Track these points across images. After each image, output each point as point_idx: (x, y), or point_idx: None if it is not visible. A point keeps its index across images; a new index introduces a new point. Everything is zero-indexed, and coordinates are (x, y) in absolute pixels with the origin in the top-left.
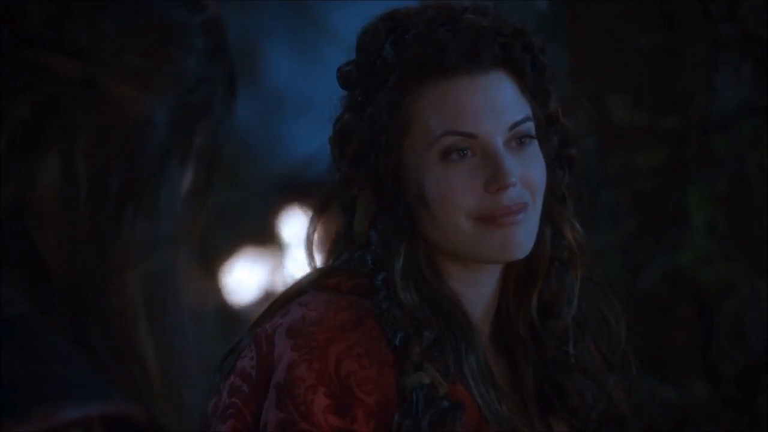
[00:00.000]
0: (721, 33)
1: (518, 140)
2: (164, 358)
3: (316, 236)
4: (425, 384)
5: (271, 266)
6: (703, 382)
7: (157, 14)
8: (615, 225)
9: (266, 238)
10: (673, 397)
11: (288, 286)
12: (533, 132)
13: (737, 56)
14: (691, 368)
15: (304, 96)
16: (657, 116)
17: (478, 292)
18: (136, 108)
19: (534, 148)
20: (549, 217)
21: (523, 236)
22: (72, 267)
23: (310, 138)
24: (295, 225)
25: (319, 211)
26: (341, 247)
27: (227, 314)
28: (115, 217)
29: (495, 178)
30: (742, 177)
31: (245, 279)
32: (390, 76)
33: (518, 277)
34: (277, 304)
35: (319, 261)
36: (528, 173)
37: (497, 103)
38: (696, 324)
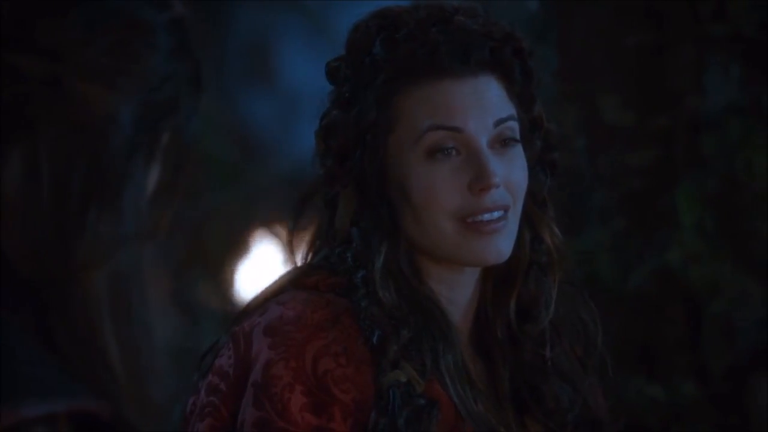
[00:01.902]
0: (709, 33)
1: (502, 142)
2: (129, 356)
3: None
4: (402, 382)
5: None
6: (691, 380)
7: (122, 13)
8: (605, 224)
9: (277, 237)
10: (661, 395)
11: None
12: (517, 134)
13: (726, 56)
14: (679, 367)
15: (319, 96)
16: (646, 116)
17: (457, 293)
18: (101, 107)
19: (517, 150)
20: (529, 221)
21: (503, 243)
22: (36, 265)
23: None
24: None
25: (301, 208)
26: (321, 244)
27: (234, 312)
28: (78, 216)
29: (478, 178)
30: (730, 177)
31: (257, 275)
32: (379, 73)
33: (497, 280)
34: (256, 302)
35: (299, 258)
36: (511, 175)
37: (483, 103)
38: (684, 323)
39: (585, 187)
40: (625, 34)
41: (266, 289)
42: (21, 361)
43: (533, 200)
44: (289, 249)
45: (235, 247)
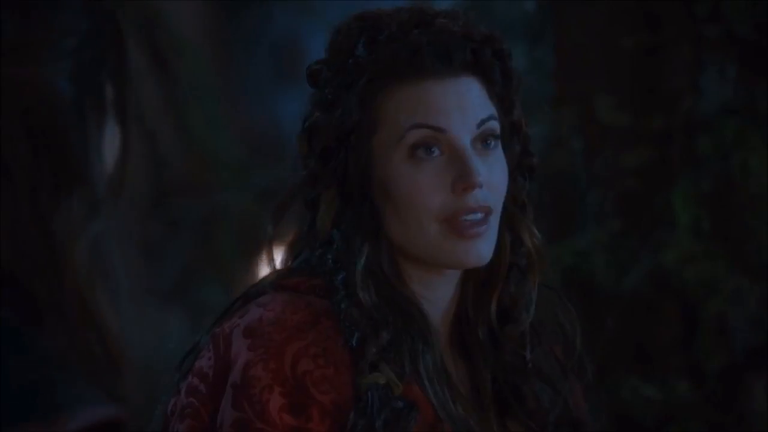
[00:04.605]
0: (705, 34)
1: (484, 141)
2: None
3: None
4: (380, 384)
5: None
6: (686, 380)
7: None
8: (600, 224)
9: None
10: (656, 395)
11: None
12: (498, 133)
13: (722, 57)
14: (674, 366)
15: None
16: (642, 117)
17: (437, 295)
18: (36, 82)
19: (498, 151)
20: (509, 223)
21: (484, 247)
22: (19, 254)
23: None
24: None
25: (280, 212)
26: (301, 246)
27: None
28: (52, 192)
29: (462, 177)
30: (726, 177)
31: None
32: (362, 75)
33: (478, 282)
34: (237, 304)
35: (279, 260)
36: (492, 176)
37: (465, 103)
38: (680, 323)
39: (581, 187)
40: (621, 35)
41: (247, 290)
42: (55, 371)
43: (513, 203)
44: (269, 254)
45: (246, 249)
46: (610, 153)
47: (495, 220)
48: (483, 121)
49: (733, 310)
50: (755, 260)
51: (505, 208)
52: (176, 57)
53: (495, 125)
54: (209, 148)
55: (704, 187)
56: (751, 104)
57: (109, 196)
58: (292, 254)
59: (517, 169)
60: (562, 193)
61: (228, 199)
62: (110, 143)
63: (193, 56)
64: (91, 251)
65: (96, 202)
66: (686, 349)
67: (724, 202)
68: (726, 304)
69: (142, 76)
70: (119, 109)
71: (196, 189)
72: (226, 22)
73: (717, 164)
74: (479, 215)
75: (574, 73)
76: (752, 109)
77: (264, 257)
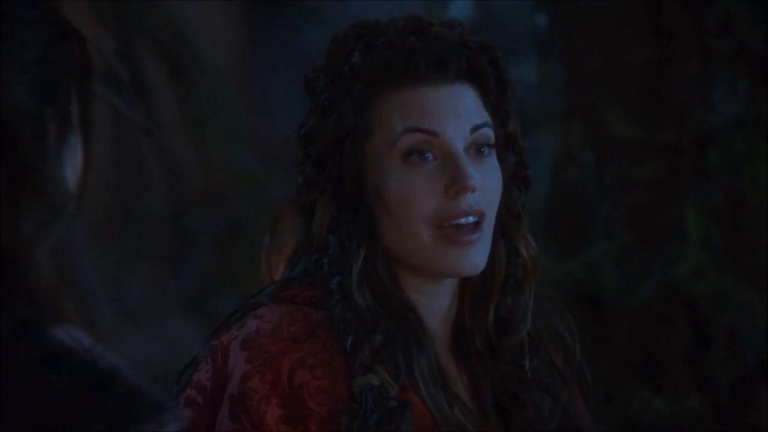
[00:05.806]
0: (716, 47)
1: (478, 149)
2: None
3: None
4: (375, 385)
5: None
6: (697, 393)
7: None
8: (611, 238)
9: None
10: (667, 408)
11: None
12: (492, 141)
13: (733, 71)
14: (685, 379)
15: None
16: (653, 130)
17: (434, 302)
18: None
19: (493, 159)
20: (504, 233)
21: (478, 255)
22: None
23: None
24: None
25: (279, 221)
26: (298, 255)
27: None
28: (11, 206)
29: (455, 181)
30: (737, 190)
31: None
32: (357, 80)
33: (474, 292)
34: (235, 317)
35: (278, 270)
36: (486, 182)
37: (460, 109)
38: (690, 336)
39: (591, 200)
40: (631, 49)
41: (245, 303)
42: (128, 377)
43: (509, 214)
44: (266, 266)
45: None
46: (621, 166)
47: (489, 228)
48: (477, 127)
49: (743, 323)
50: (766, 273)
51: (500, 218)
52: (196, 71)
53: (489, 132)
54: (228, 160)
55: (715, 201)
56: (762, 117)
57: (67, 208)
58: (290, 263)
59: (512, 181)
60: (573, 207)
61: (246, 212)
62: (72, 157)
63: (213, 70)
64: (54, 261)
65: (54, 212)
66: (697, 362)
67: (734, 215)
68: (736, 317)
69: (161, 89)
70: (83, 124)
71: (215, 202)
72: (249, 36)
73: (727, 177)
74: (472, 219)
75: (584, 87)
76: (763, 122)
77: (262, 268)
